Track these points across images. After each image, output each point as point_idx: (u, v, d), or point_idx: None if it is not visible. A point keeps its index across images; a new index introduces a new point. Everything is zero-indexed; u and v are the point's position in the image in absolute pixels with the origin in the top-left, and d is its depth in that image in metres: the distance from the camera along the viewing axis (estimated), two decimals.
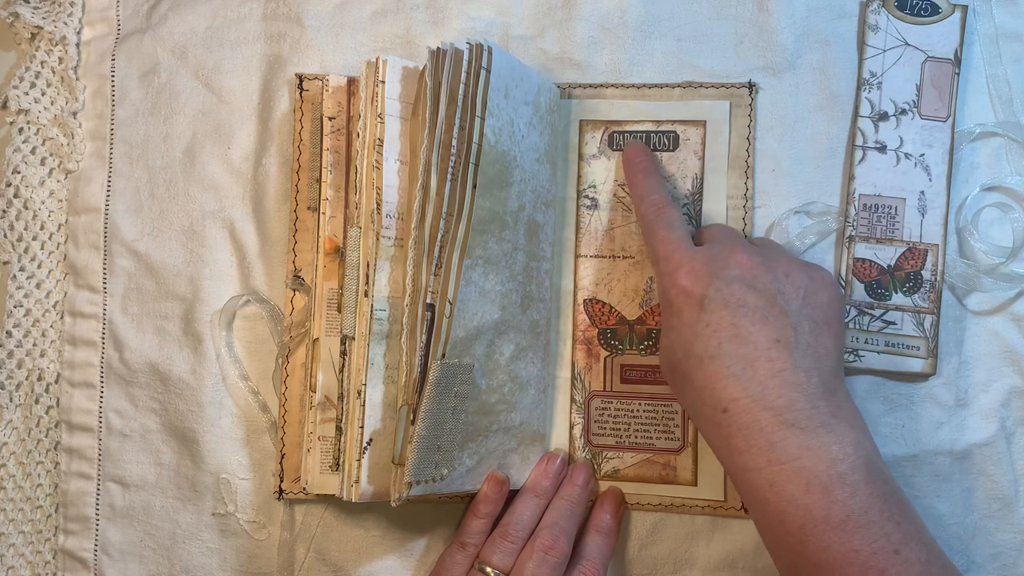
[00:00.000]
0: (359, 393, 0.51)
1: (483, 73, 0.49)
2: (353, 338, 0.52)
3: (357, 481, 0.51)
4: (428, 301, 0.49)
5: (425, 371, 0.49)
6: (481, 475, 0.53)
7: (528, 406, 0.54)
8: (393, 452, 0.50)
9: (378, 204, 0.52)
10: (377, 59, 0.52)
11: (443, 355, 0.49)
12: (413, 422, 0.49)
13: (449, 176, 0.49)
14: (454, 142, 0.49)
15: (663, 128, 0.56)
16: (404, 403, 0.49)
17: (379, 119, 0.52)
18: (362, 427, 0.51)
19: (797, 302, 0.47)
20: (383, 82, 0.52)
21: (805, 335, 0.46)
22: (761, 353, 0.45)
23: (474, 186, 0.49)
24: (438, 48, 0.50)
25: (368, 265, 0.52)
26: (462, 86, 0.49)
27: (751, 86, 0.56)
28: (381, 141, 0.52)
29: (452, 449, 0.50)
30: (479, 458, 0.52)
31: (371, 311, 0.51)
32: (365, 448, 0.51)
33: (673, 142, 0.56)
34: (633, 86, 0.57)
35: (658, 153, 0.56)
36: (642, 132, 0.56)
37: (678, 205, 0.53)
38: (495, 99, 0.50)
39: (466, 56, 0.49)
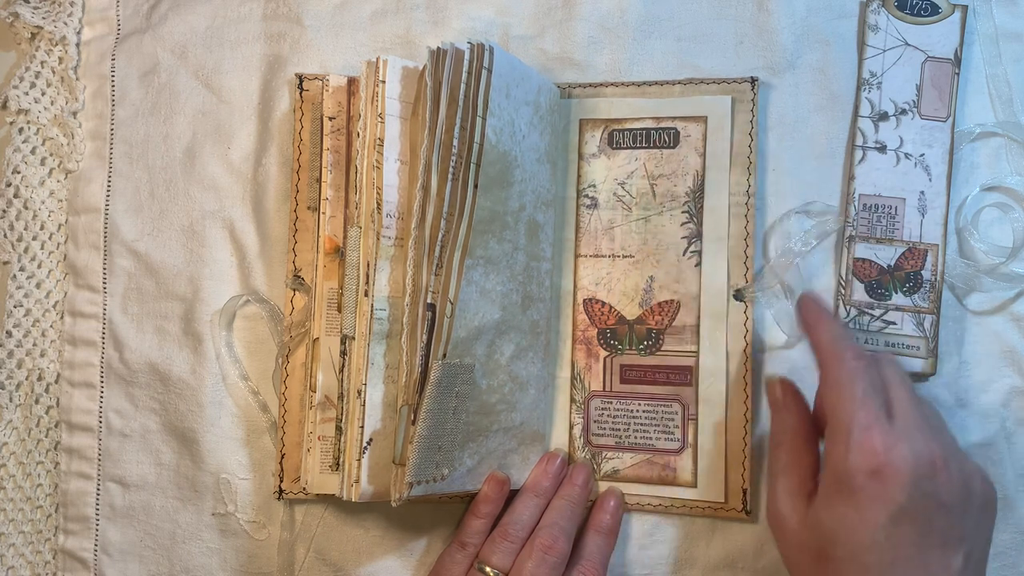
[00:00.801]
0: (359, 393, 0.51)
1: (484, 73, 0.49)
2: (353, 338, 0.52)
3: (357, 481, 0.51)
4: (429, 301, 0.49)
5: (426, 371, 0.49)
6: (481, 475, 0.53)
7: (528, 406, 0.54)
8: (394, 452, 0.50)
9: (378, 204, 0.52)
10: (377, 59, 0.53)
11: (444, 355, 0.49)
12: (414, 422, 0.49)
13: (450, 176, 0.49)
14: (455, 142, 0.49)
15: (663, 125, 0.56)
16: (404, 403, 0.49)
17: (379, 119, 0.52)
18: (362, 427, 0.51)
19: (974, 524, 0.44)
20: (383, 82, 0.52)
21: (972, 564, 0.44)
22: None
23: (475, 186, 0.49)
24: (438, 48, 0.50)
25: (368, 265, 0.52)
26: (463, 86, 0.49)
27: (753, 81, 0.56)
28: (381, 141, 0.52)
29: (453, 449, 0.50)
30: (479, 458, 0.52)
31: (371, 311, 0.51)
32: (365, 448, 0.51)
33: (673, 139, 0.56)
34: (633, 84, 0.57)
35: (658, 150, 0.56)
36: (641, 129, 0.56)
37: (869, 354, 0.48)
38: (496, 99, 0.50)
39: (467, 56, 0.49)
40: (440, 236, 0.49)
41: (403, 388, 0.50)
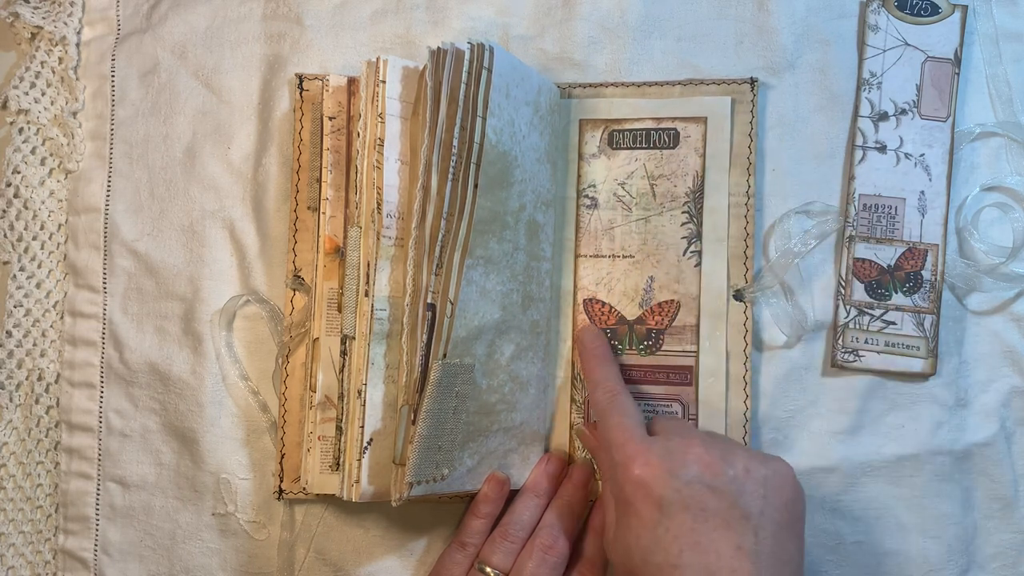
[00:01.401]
0: (359, 393, 0.51)
1: (484, 73, 0.49)
2: (353, 338, 0.52)
3: (357, 481, 0.51)
4: (429, 301, 0.49)
5: (426, 371, 0.49)
6: (481, 475, 0.53)
7: (528, 406, 0.54)
8: (394, 452, 0.50)
9: (378, 204, 0.52)
10: (377, 59, 0.52)
11: (444, 355, 0.49)
12: (414, 422, 0.49)
13: (450, 176, 0.49)
14: (455, 142, 0.49)
15: (663, 125, 0.56)
16: (405, 403, 0.49)
17: (380, 119, 0.52)
18: (362, 427, 0.51)
19: (759, 503, 0.45)
20: (383, 82, 0.52)
21: (767, 540, 0.44)
22: (724, 563, 0.43)
23: (475, 186, 0.49)
24: (439, 48, 0.50)
25: (368, 265, 0.52)
26: (463, 86, 0.49)
27: (753, 82, 0.56)
28: (382, 141, 0.52)
29: (453, 449, 0.50)
30: (479, 458, 0.52)
31: (371, 311, 0.51)
32: (365, 448, 0.51)
33: (673, 139, 0.56)
34: (633, 84, 0.57)
35: (658, 151, 0.56)
36: (642, 130, 0.56)
37: (630, 395, 0.52)
38: (496, 99, 0.50)
39: (467, 56, 0.49)
40: (440, 236, 0.49)
41: (403, 388, 0.50)
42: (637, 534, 0.45)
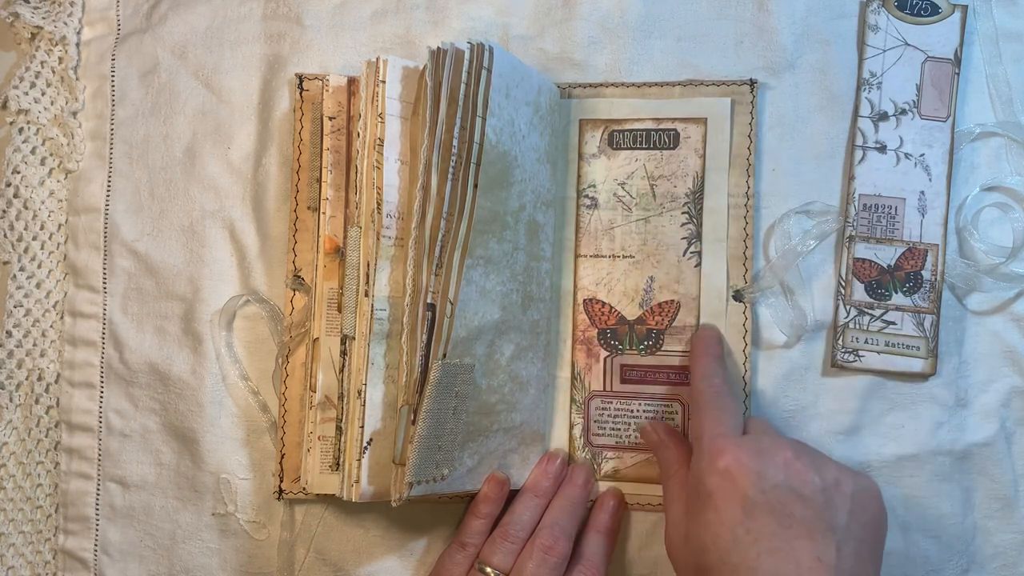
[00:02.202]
0: (359, 393, 0.51)
1: (484, 73, 0.49)
2: (353, 338, 0.52)
3: (357, 481, 0.51)
4: (429, 301, 0.49)
5: (426, 371, 0.49)
6: (482, 475, 0.53)
7: (528, 406, 0.54)
8: (394, 452, 0.50)
9: (378, 204, 0.52)
10: (377, 59, 0.52)
11: (444, 355, 0.49)
12: (414, 422, 0.49)
13: (450, 176, 0.49)
14: (455, 142, 0.49)
15: (663, 126, 0.56)
16: (404, 403, 0.49)
17: (379, 119, 0.52)
18: (362, 427, 0.51)
19: (844, 517, 0.44)
20: (383, 82, 0.52)
21: (849, 556, 0.43)
22: (802, 574, 0.42)
23: (475, 186, 0.49)
24: (438, 48, 0.50)
25: (368, 265, 0.52)
26: (463, 86, 0.49)
27: (752, 83, 0.56)
28: (382, 141, 0.52)
29: (453, 449, 0.50)
30: (479, 458, 0.52)
31: (371, 311, 0.51)
32: (365, 448, 0.51)
33: (673, 140, 0.56)
34: (634, 85, 0.57)
35: (658, 151, 0.56)
36: (641, 130, 0.56)
37: (735, 398, 0.52)
38: (496, 99, 0.49)
39: (467, 56, 0.49)
40: (440, 236, 0.49)
41: (403, 388, 0.50)
42: (715, 531, 0.44)
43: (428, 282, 0.49)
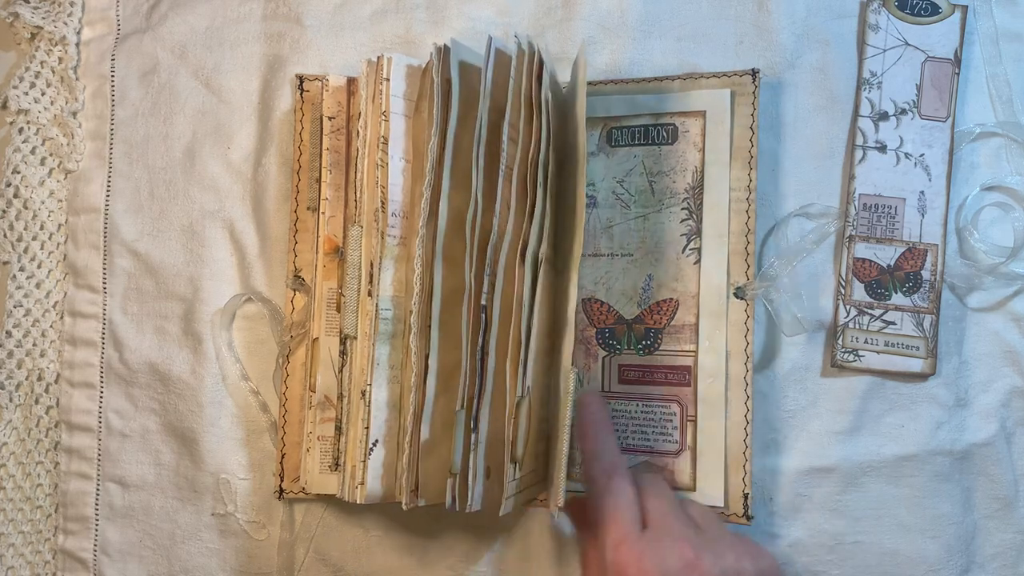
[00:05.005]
0: (363, 394, 0.51)
1: (544, 74, 0.48)
2: (354, 337, 0.52)
3: (363, 483, 0.50)
4: (483, 303, 0.48)
5: (483, 375, 0.48)
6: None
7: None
8: (451, 463, 0.48)
9: (383, 203, 0.51)
10: (380, 57, 0.53)
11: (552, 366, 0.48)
12: (549, 436, 0.47)
13: (515, 176, 0.48)
14: (542, 145, 0.48)
15: (662, 121, 0.56)
16: (461, 407, 0.48)
17: (383, 117, 0.52)
18: (367, 428, 0.51)
19: None
20: (387, 79, 0.52)
21: None
22: None
23: (545, 185, 0.48)
24: (444, 45, 0.50)
25: (372, 264, 0.52)
26: (524, 82, 0.48)
27: (755, 73, 0.55)
28: (386, 139, 0.52)
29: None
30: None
31: (376, 311, 0.51)
32: (371, 449, 0.51)
33: (672, 135, 0.56)
34: (633, 80, 0.57)
35: (656, 147, 0.56)
36: (640, 126, 0.56)
37: (628, 472, 0.50)
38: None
39: (528, 53, 0.48)
40: (493, 238, 0.48)
41: (410, 390, 0.48)
42: None
43: (480, 284, 0.48)
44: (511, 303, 0.48)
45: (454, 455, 0.48)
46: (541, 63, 0.48)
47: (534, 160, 0.48)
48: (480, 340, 0.48)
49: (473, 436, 0.47)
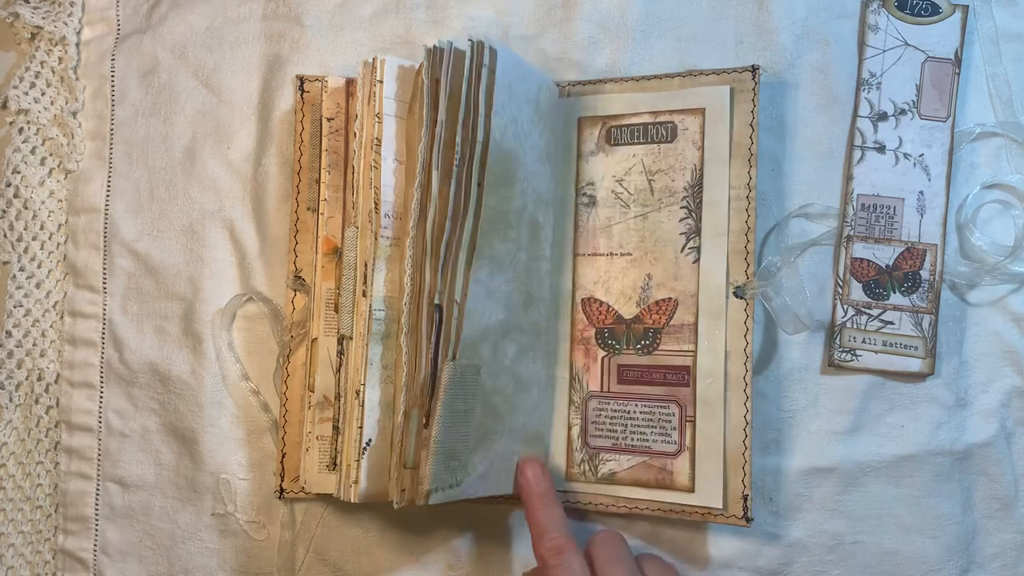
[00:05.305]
0: (357, 393, 0.51)
1: (485, 71, 0.49)
2: (351, 338, 0.52)
3: (356, 482, 0.50)
4: (436, 302, 0.49)
5: (436, 373, 0.49)
6: (492, 480, 0.52)
7: (529, 408, 0.54)
8: (404, 456, 0.49)
9: (376, 204, 0.52)
10: (374, 59, 0.52)
11: (454, 356, 0.48)
12: (427, 426, 0.48)
13: (454, 175, 0.49)
14: (458, 140, 0.49)
15: (661, 119, 0.56)
16: (414, 406, 0.49)
17: (377, 119, 0.52)
18: (360, 427, 0.51)
19: None
20: (380, 81, 0.52)
21: None
22: None
23: (479, 184, 0.49)
24: (435, 46, 0.50)
25: (366, 265, 0.52)
26: (464, 83, 0.49)
27: (755, 69, 0.55)
28: (379, 141, 0.52)
29: (466, 454, 0.49)
30: (489, 463, 0.51)
31: (369, 311, 0.51)
32: (364, 449, 0.51)
33: (671, 133, 0.56)
34: (632, 79, 0.57)
35: (655, 145, 0.56)
36: (639, 124, 0.56)
37: (576, 546, 0.48)
38: (500, 97, 0.49)
39: (468, 54, 0.49)
40: (445, 236, 0.49)
41: (401, 389, 0.49)
42: None
43: (434, 282, 0.49)
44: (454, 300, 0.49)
45: (407, 451, 0.48)
46: (481, 64, 0.49)
47: (469, 158, 0.49)
48: (435, 339, 0.48)
49: (427, 434, 0.48)
